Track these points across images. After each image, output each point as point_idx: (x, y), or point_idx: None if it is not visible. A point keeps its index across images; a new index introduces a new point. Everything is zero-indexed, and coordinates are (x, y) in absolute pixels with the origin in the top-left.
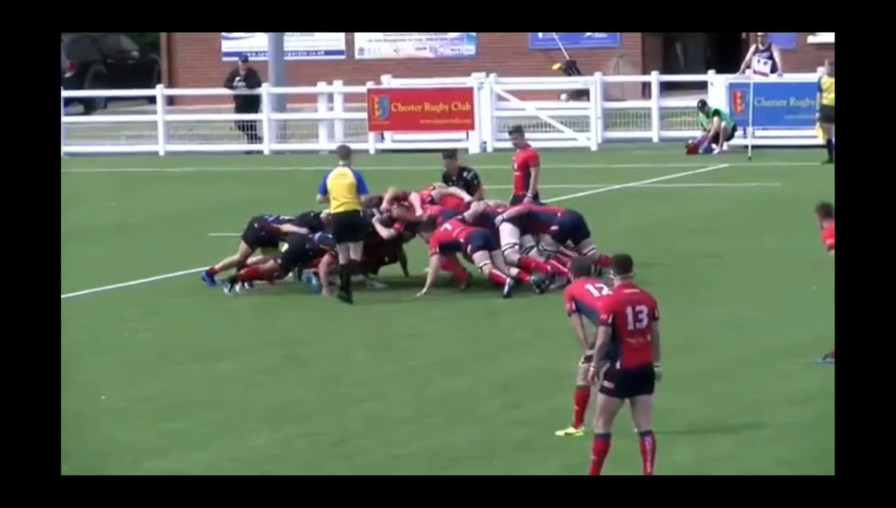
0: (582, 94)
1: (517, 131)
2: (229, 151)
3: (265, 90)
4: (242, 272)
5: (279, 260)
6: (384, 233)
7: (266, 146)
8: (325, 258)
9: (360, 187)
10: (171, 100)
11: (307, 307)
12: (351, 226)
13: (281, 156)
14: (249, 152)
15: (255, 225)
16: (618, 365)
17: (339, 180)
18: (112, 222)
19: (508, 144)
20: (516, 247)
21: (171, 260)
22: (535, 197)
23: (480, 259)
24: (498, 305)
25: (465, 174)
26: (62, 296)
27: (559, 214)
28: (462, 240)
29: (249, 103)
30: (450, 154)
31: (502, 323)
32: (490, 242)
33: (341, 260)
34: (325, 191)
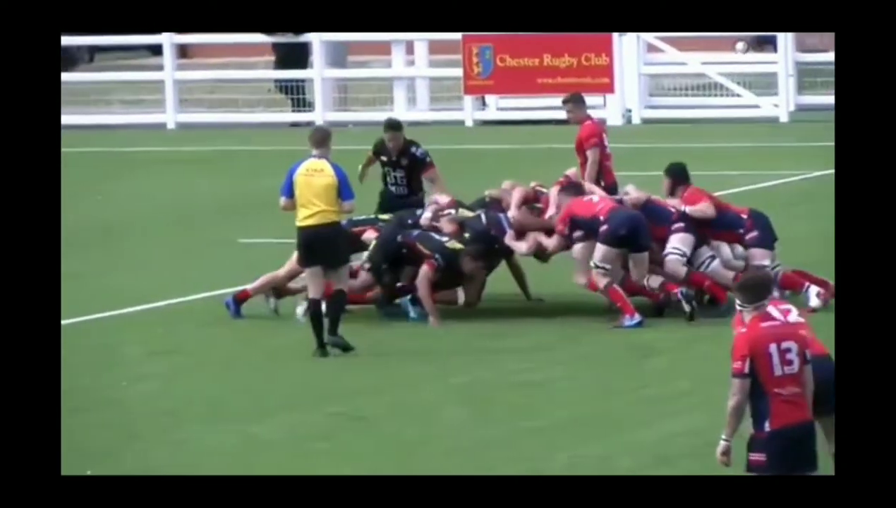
0: (766, 43)
1: (572, 100)
2: (266, 123)
3: (317, 37)
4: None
5: (366, 265)
6: (522, 247)
7: (319, 115)
8: (424, 269)
9: (342, 190)
10: (183, 51)
11: (376, 343)
12: (327, 245)
13: (340, 130)
14: (295, 124)
15: None
16: (766, 427)
17: (312, 178)
18: (101, 223)
19: (663, 113)
20: (684, 256)
21: (187, 278)
22: (610, 190)
23: (601, 257)
24: (647, 340)
25: (413, 150)
26: None
27: (744, 215)
28: (602, 218)
29: (295, 55)
30: (394, 125)
31: (653, 367)
32: (638, 237)
33: (310, 294)
34: (290, 193)
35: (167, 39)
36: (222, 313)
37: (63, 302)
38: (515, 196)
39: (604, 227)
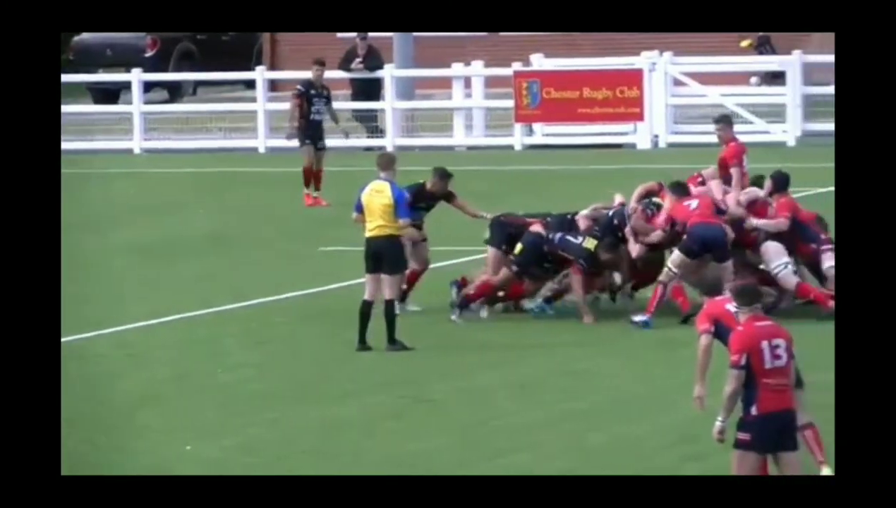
0: (777, 77)
1: (723, 120)
2: (344, 147)
3: (388, 73)
4: (472, 291)
5: (514, 267)
6: (634, 250)
7: (389, 141)
8: (574, 276)
9: (397, 209)
10: (273, 85)
11: (444, 336)
12: (386, 254)
13: (408, 153)
14: (369, 148)
15: (502, 219)
16: (753, 411)
17: (375, 198)
18: (202, 233)
19: (686, 138)
20: (789, 266)
21: (276, 280)
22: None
23: (673, 261)
24: (679, 335)
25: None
26: (139, 324)
27: (823, 236)
28: (687, 228)
29: (369, 89)
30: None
31: (686, 357)
32: (713, 251)
33: (365, 295)
34: (360, 209)
35: (260, 75)
36: (307, 309)
37: (167, 303)
38: (638, 189)
39: (684, 237)
